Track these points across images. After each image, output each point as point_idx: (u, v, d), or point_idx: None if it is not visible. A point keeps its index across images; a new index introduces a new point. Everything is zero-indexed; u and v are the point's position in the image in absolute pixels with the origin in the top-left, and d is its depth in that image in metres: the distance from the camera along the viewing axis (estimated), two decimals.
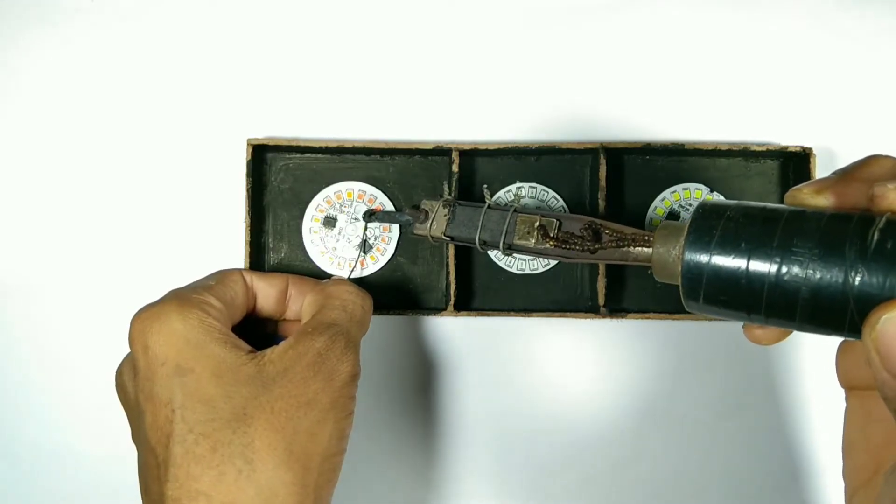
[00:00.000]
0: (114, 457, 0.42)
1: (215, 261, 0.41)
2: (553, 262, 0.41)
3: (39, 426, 0.42)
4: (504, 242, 0.34)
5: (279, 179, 0.42)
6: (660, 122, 0.42)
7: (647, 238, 0.31)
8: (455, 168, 0.39)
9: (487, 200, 0.36)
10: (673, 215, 0.41)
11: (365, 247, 0.41)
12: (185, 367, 0.30)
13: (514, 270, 0.41)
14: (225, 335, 0.32)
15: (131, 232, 0.42)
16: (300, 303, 0.37)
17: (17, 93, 0.43)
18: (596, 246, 0.32)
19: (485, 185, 0.39)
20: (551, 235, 0.33)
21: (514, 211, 0.35)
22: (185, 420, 0.29)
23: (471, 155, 0.41)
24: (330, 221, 0.41)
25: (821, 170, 0.39)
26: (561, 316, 0.39)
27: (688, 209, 0.41)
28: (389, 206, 0.41)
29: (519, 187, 0.41)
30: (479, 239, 0.35)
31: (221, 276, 0.35)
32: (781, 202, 0.42)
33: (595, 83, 0.42)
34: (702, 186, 0.41)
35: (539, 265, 0.41)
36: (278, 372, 0.31)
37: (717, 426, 0.41)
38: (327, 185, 0.41)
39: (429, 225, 0.36)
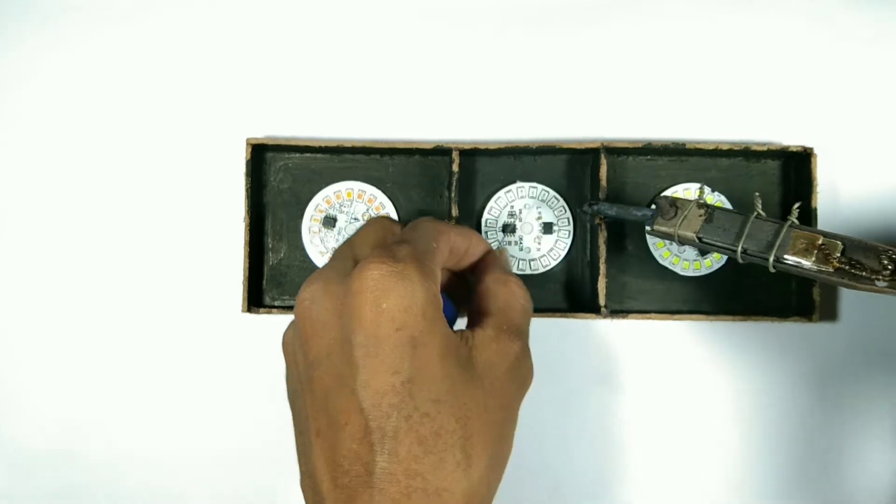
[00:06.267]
0: (113, 457, 0.42)
1: (214, 261, 0.41)
2: (553, 262, 0.41)
3: (38, 426, 0.42)
4: (774, 255, 0.32)
5: (278, 179, 0.41)
6: (660, 121, 0.41)
7: None
8: (455, 168, 0.39)
9: (757, 209, 0.33)
10: None
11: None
12: (418, 341, 0.28)
13: (514, 271, 0.41)
14: (442, 309, 0.30)
15: (129, 232, 0.42)
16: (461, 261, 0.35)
17: (14, 92, 0.42)
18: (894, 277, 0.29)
19: (756, 193, 0.35)
20: (836, 257, 0.31)
21: (790, 226, 0.32)
22: (412, 396, 0.28)
23: (471, 155, 0.40)
24: (329, 221, 0.41)
25: (822, 170, 0.39)
26: (561, 316, 0.39)
27: None
28: (389, 207, 0.41)
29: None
30: (742, 247, 0.33)
31: (441, 240, 0.33)
32: (783, 202, 0.42)
33: (595, 83, 0.42)
34: (703, 186, 0.40)
35: (540, 266, 0.41)
36: (485, 366, 0.30)
37: (719, 427, 0.41)
38: (327, 184, 0.41)
39: (679, 221, 0.34)
